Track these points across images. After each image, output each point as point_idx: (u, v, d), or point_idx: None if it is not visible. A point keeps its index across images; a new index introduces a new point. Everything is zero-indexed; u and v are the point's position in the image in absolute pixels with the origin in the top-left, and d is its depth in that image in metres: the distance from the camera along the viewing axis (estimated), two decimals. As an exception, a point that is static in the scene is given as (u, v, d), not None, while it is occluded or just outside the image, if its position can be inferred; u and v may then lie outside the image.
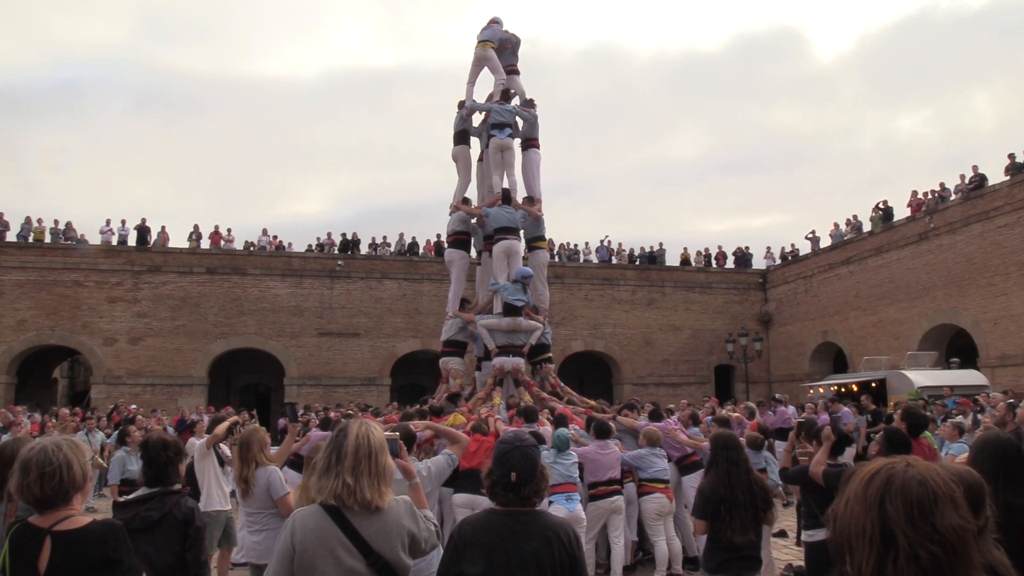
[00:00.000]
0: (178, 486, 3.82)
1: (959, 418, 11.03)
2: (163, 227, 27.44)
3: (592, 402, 10.84)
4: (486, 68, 12.74)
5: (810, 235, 29.93)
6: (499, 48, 12.86)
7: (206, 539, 3.73)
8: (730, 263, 32.50)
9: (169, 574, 3.40)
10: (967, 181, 22.63)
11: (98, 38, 65.31)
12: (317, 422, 12.84)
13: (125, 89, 67.65)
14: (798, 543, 8.61)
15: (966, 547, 1.38)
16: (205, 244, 27.50)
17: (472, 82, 12.90)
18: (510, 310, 10.43)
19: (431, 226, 71.36)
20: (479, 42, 12.68)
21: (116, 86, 68.05)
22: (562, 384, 11.36)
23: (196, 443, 13.18)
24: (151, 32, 66.12)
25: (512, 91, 12.64)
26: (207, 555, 3.70)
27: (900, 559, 1.37)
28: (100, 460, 12.84)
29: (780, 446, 13.14)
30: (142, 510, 3.55)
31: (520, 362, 10.57)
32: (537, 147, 12.46)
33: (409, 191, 72.44)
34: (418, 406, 10.41)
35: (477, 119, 12.72)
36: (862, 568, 1.41)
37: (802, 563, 6.84)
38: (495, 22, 12.94)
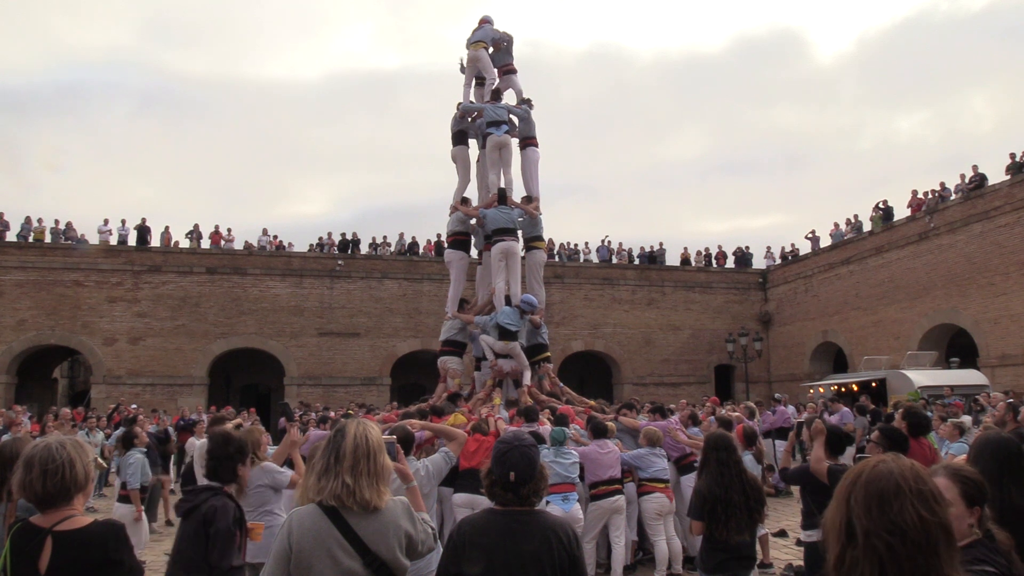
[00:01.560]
0: (232, 486, 3.81)
1: (964, 417, 11.04)
2: (167, 227, 27.53)
3: (591, 402, 10.83)
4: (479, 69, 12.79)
5: (810, 235, 29.95)
6: (493, 47, 12.86)
7: (233, 542, 3.54)
8: (730, 263, 32.51)
9: (189, 567, 3.40)
10: (967, 181, 22.63)
11: (103, 41, 65.71)
12: (316, 421, 12.84)
13: (129, 91, 68.00)
14: (798, 543, 8.61)
15: (931, 542, 1.37)
16: (205, 244, 27.52)
17: (468, 84, 12.93)
18: (504, 334, 10.29)
19: (432, 227, 71.36)
20: (471, 43, 12.71)
21: (120, 88, 68.40)
22: (561, 384, 11.34)
23: (196, 443, 13.15)
24: (155, 35, 66.55)
25: (503, 91, 12.66)
26: (234, 559, 3.51)
27: (858, 548, 1.39)
28: (101, 460, 12.85)
29: (781, 445, 13.16)
30: (182, 499, 3.66)
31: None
32: (535, 145, 12.44)
33: (411, 192, 72.68)
34: (418, 405, 10.41)
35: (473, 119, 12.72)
36: (831, 559, 1.44)
37: (802, 563, 6.84)
38: (486, 22, 12.94)
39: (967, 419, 12.23)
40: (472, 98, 12.87)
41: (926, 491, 1.42)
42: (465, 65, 12.97)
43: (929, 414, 11.33)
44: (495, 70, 12.73)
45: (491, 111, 11.87)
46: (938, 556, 1.38)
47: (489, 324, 10.64)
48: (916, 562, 1.36)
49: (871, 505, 1.40)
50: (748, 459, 7.96)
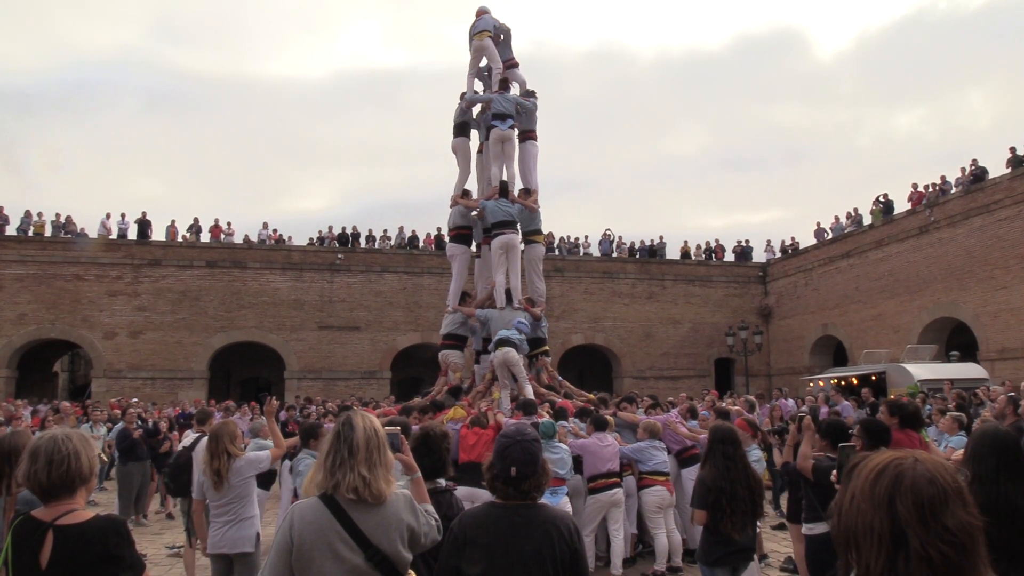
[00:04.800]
0: (443, 483, 3.81)
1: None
2: (172, 221, 27.49)
3: (591, 395, 10.82)
4: (485, 58, 12.67)
5: (817, 229, 29.87)
6: (494, 38, 12.76)
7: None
8: (730, 257, 32.49)
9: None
10: (967, 174, 22.58)
11: (110, 40, 65.89)
12: (316, 416, 12.86)
13: (136, 90, 68.08)
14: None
15: (975, 544, 1.36)
16: (205, 238, 27.49)
17: (472, 74, 12.82)
18: (503, 343, 9.61)
19: (432, 221, 71.50)
20: (476, 33, 12.60)
21: (127, 87, 68.49)
22: (559, 377, 11.34)
23: (192, 437, 13.07)
24: (162, 34, 66.64)
25: (511, 81, 12.56)
26: None
27: (912, 560, 1.33)
28: (103, 454, 12.85)
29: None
30: None
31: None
32: (535, 139, 12.38)
33: (413, 188, 72.76)
34: (418, 399, 10.40)
35: (477, 111, 12.65)
36: (871, 567, 1.38)
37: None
38: (484, 12, 12.84)
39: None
40: (476, 88, 12.79)
41: (963, 492, 1.40)
42: (471, 54, 12.84)
43: (928, 407, 11.35)
44: (500, 60, 12.63)
45: (499, 103, 11.74)
46: (980, 557, 1.36)
47: (490, 327, 10.45)
48: (964, 567, 1.34)
49: (925, 515, 1.35)
50: (756, 453, 7.90)
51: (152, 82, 65.72)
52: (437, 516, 2.81)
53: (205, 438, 7.41)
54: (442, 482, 3.84)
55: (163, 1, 66.64)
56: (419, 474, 3.12)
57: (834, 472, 3.01)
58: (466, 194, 12.12)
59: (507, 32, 13.03)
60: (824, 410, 13.14)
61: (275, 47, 72.63)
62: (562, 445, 7.19)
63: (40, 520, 2.54)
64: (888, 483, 1.40)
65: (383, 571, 2.50)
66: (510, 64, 12.95)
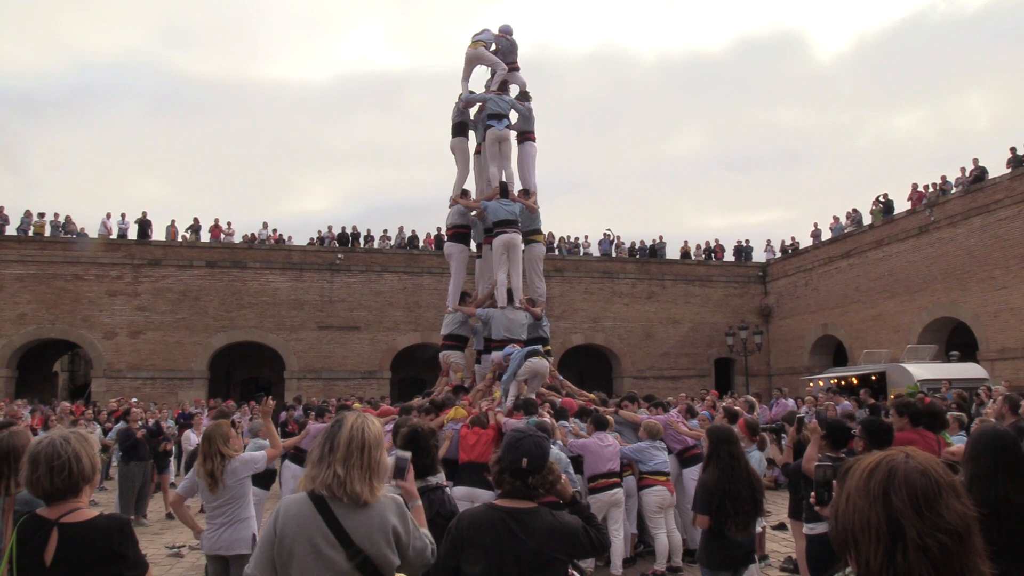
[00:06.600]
0: (435, 480, 3.78)
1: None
2: (172, 221, 27.49)
3: (591, 395, 10.83)
4: (480, 67, 12.75)
5: (814, 231, 29.87)
6: (494, 48, 12.84)
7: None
8: (730, 256, 32.48)
9: None
10: (967, 174, 22.58)
11: (115, 44, 66.09)
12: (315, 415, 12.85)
13: (140, 93, 68.32)
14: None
15: (971, 534, 1.39)
16: (205, 238, 27.48)
17: (466, 79, 12.85)
18: (534, 352, 9.66)
19: (433, 221, 71.60)
20: (472, 41, 12.68)
21: (131, 90, 68.69)
22: (560, 377, 11.35)
23: (192, 438, 13.06)
24: (168, 38, 67.05)
25: (510, 84, 12.60)
26: None
27: (909, 550, 1.36)
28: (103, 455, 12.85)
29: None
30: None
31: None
32: (533, 140, 12.42)
33: (414, 188, 72.87)
34: (419, 399, 10.40)
35: (475, 112, 12.68)
36: (870, 562, 1.40)
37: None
38: (502, 34, 12.94)
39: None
40: (470, 91, 12.82)
41: (956, 484, 1.43)
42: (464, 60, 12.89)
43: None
44: (502, 63, 12.64)
45: (494, 103, 11.77)
46: (975, 547, 1.39)
47: (491, 327, 10.46)
48: (961, 555, 1.37)
49: (920, 505, 1.38)
50: (756, 455, 7.90)
51: (156, 85, 66.04)
52: (433, 541, 2.72)
53: None
54: (432, 480, 3.78)
55: (168, 5, 66.98)
56: (419, 502, 2.99)
57: (812, 495, 3.03)
58: (465, 194, 12.14)
59: (511, 48, 13.02)
60: (839, 407, 13.05)
61: (279, 50, 72.96)
62: (553, 448, 7.20)
63: (44, 518, 2.55)
64: (881, 478, 1.43)
65: (365, 572, 2.47)
66: (511, 67, 12.97)
